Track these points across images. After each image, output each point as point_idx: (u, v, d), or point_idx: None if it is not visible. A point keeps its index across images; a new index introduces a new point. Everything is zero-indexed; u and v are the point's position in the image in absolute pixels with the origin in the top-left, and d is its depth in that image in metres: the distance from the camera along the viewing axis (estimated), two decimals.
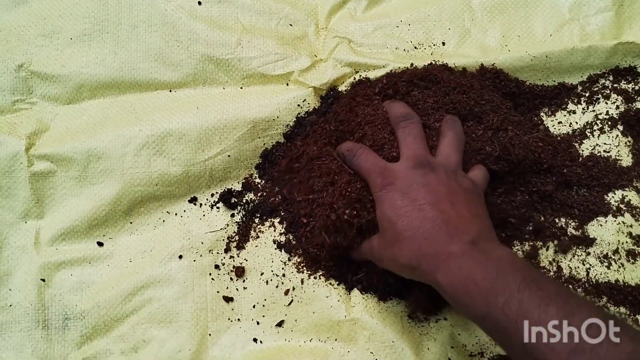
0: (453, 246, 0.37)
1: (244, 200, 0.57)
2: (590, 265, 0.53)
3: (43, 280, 0.54)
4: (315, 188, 0.53)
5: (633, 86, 0.58)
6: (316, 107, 0.58)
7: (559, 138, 0.57)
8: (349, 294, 0.53)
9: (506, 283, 0.33)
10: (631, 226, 0.54)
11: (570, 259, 0.54)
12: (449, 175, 0.44)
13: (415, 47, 0.60)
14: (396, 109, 0.50)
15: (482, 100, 0.54)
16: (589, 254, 0.54)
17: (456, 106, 0.53)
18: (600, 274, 0.53)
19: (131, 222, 0.56)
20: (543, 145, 0.54)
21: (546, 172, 0.55)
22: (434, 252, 0.37)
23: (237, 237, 0.56)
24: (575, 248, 0.54)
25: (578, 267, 0.53)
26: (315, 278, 0.54)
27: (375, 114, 0.52)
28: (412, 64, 0.57)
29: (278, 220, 0.56)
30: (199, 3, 0.60)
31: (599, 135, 0.58)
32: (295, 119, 0.58)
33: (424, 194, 0.41)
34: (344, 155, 0.50)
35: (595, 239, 0.54)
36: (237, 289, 0.54)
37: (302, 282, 0.53)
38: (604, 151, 0.57)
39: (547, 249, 0.54)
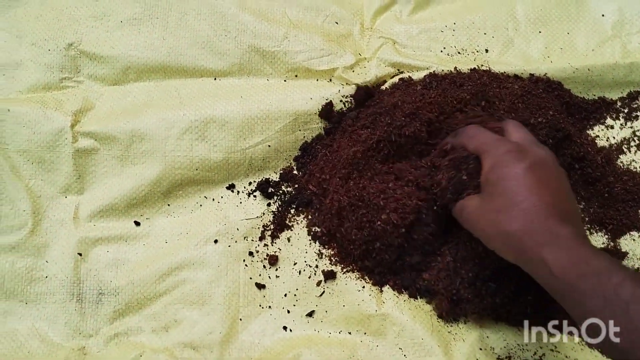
0: (563, 229, 0.37)
1: (281, 191, 0.58)
2: None
3: (80, 254, 0.55)
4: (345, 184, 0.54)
5: None
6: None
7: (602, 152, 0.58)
8: (381, 289, 0.53)
9: (619, 267, 0.34)
10: None
11: None
12: (557, 165, 0.43)
13: (459, 52, 0.61)
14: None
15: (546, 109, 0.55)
16: None
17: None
18: None
19: (169, 204, 0.57)
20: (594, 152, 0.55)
21: (595, 181, 0.55)
22: (544, 228, 0.37)
23: (272, 226, 0.56)
24: None
25: None
26: (347, 272, 0.54)
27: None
28: (455, 68, 0.58)
29: (314, 212, 0.57)
30: None
31: (635, 152, 0.58)
32: (337, 115, 0.58)
33: (549, 173, 0.40)
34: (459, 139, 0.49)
35: (627, 253, 0.54)
36: (269, 277, 0.55)
37: (334, 275, 0.54)
38: None
39: None
